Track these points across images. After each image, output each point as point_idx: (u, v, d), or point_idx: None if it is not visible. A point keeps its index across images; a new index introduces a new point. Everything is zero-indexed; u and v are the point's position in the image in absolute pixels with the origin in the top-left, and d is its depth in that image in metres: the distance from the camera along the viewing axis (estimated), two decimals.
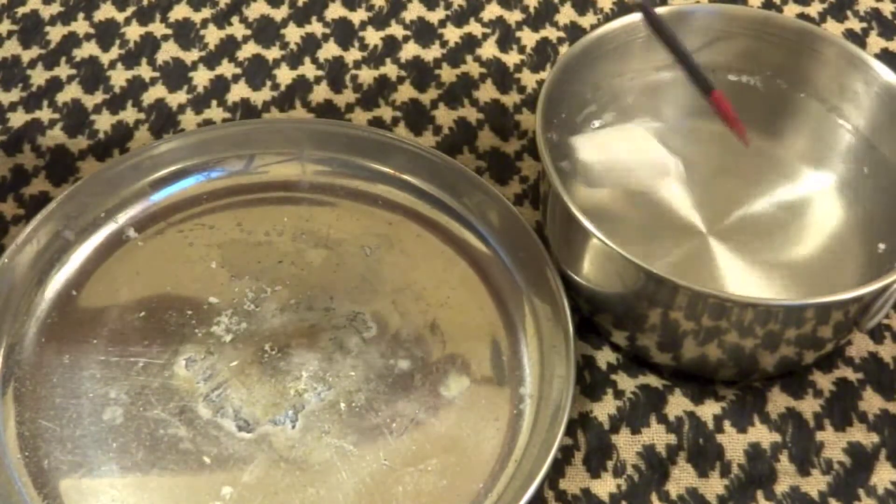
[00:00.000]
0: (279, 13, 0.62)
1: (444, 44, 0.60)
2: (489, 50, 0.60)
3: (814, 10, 0.62)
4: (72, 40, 0.60)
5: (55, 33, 0.60)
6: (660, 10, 0.50)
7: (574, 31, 0.61)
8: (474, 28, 0.61)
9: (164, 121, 0.56)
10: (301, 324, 0.47)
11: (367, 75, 0.59)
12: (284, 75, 0.58)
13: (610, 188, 0.48)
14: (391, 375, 0.46)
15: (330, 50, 0.60)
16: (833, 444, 0.45)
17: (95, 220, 0.50)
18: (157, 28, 0.61)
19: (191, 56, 0.59)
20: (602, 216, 0.48)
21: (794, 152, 0.51)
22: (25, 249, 0.48)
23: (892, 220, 0.47)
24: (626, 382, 0.47)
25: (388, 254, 0.50)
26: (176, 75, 0.58)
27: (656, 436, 0.45)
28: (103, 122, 0.56)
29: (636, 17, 0.50)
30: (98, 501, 0.42)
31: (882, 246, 0.46)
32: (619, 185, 0.48)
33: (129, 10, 0.62)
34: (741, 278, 0.46)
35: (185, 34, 0.60)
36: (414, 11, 0.62)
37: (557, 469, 0.44)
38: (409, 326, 0.47)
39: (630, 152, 0.49)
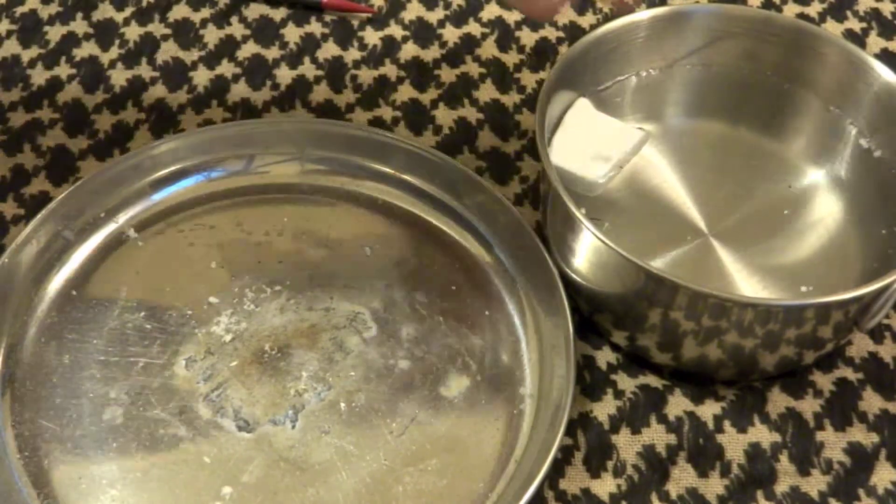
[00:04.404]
0: (278, 13, 0.62)
1: (443, 44, 0.60)
2: (489, 50, 0.60)
3: (814, 10, 0.62)
4: (71, 40, 0.60)
5: (54, 33, 0.60)
6: (660, 10, 0.50)
7: (573, 31, 0.61)
8: (473, 28, 0.61)
9: (164, 121, 0.56)
10: (301, 324, 0.47)
11: (366, 75, 0.59)
12: (284, 75, 0.58)
13: (604, 181, 0.48)
14: (391, 375, 0.46)
15: (329, 50, 0.60)
16: (833, 444, 0.45)
17: (95, 220, 0.50)
18: (157, 28, 0.61)
19: (191, 56, 0.59)
20: (602, 216, 0.48)
21: (794, 152, 0.51)
22: (25, 249, 0.48)
23: (892, 220, 0.47)
24: (626, 382, 0.47)
25: (388, 254, 0.50)
26: (176, 75, 0.58)
27: (656, 436, 0.45)
28: (104, 122, 0.56)
29: (636, 16, 0.50)
30: (98, 501, 0.42)
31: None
32: (608, 175, 0.49)
33: (128, 11, 0.62)
34: (741, 278, 0.46)
35: (185, 34, 0.60)
36: (413, 11, 0.62)
37: (557, 469, 0.44)
38: (409, 326, 0.47)
39: (600, 139, 0.49)
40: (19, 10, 0.62)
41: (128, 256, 0.50)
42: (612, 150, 0.49)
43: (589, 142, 0.49)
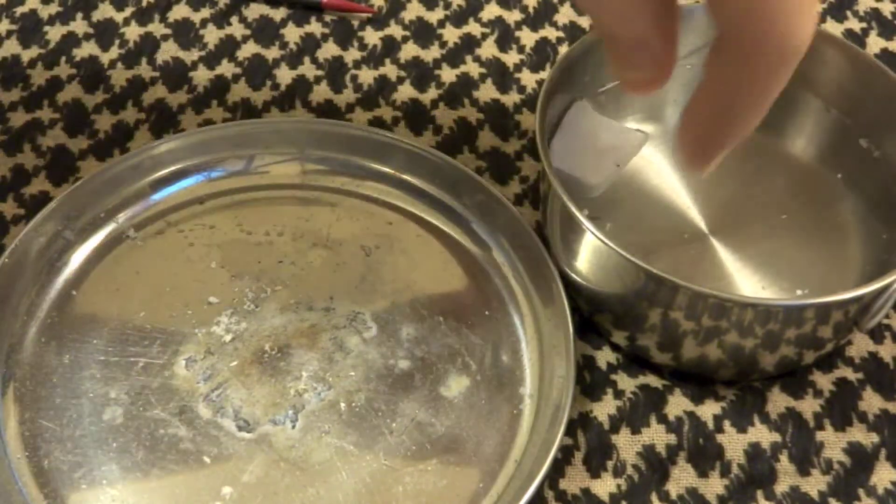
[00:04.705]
0: (278, 13, 0.62)
1: (443, 44, 0.60)
2: (489, 50, 0.60)
3: None
4: (71, 40, 0.60)
5: (54, 33, 0.60)
6: None
7: (573, 31, 0.61)
8: (473, 28, 0.61)
9: (164, 121, 0.56)
10: (301, 324, 0.47)
11: (366, 75, 0.59)
12: (284, 75, 0.58)
13: (603, 184, 0.48)
14: (391, 375, 0.46)
15: (329, 50, 0.60)
16: (833, 444, 0.45)
17: (95, 220, 0.50)
18: (157, 28, 0.61)
19: (191, 56, 0.59)
20: (603, 216, 0.48)
21: (794, 152, 0.51)
22: (25, 249, 0.48)
23: (892, 222, 0.47)
24: (626, 382, 0.47)
25: (388, 254, 0.50)
26: (176, 75, 0.58)
27: (656, 436, 0.45)
28: (104, 122, 0.56)
29: None
30: (98, 501, 0.42)
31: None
32: (607, 178, 0.49)
33: (128, 11, 0.62)
34: (741, 278, 0.46)
35: (185, 34, 0.60)
36: (413, 11, 0.62)
37: (557, 469, 0.44)
38: (409, 326, 0.47)
39: (599, 142, 0.49)
40: (19, 10, 0.62)
41: (128, 256, 0.50)
42: (610, 152, 0.49)
43: (588, 144, 0.49)
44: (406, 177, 0.52)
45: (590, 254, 0.44)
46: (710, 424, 0.46)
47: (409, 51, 0.60)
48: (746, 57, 0.30)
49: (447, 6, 0.62)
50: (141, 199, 0.51)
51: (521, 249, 0.49)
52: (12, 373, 0.46)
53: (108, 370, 0.46)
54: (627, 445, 0.45)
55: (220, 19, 0.61)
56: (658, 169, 0.50)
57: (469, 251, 0.50)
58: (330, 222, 0.51)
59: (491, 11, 0.62)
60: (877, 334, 0.48)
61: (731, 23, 0.30)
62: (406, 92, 0.58)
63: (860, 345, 0.48)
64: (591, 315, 0.48)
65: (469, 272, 0.49)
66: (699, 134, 0.34)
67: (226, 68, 0.59)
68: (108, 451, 0.44)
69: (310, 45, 0.60)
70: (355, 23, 0.61)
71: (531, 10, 0.62)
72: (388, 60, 0.59)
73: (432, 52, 0.60)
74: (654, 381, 0.47)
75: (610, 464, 0.44)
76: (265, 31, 0.61)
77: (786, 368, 0.46)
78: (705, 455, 0.45)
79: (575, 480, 0.44)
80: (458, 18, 0.62)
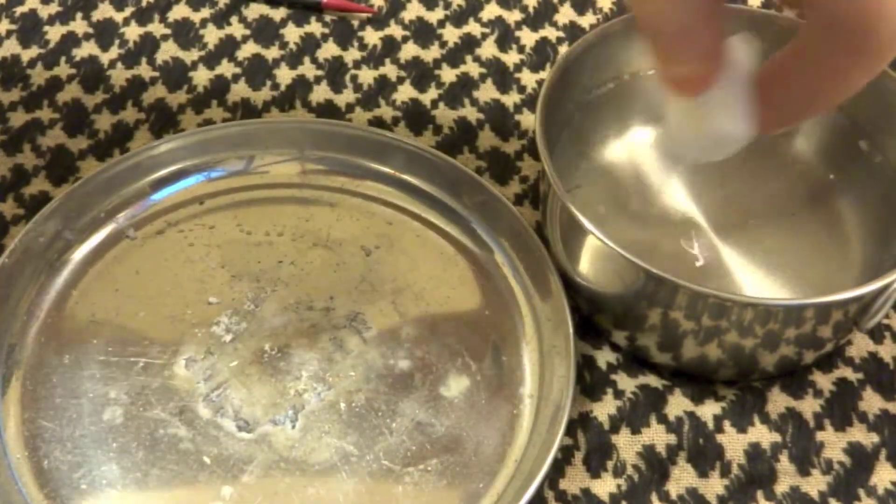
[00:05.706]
0: (278, 13, 0.62)
1: (443, 44, 0.60)
2: (489, 50, 0.60)
3: None
4: (71, 40, 0.60)
5: (54, 33, 0.60)
6: None
7: (574, 31, 0.61)
8: (473, 28, 0.61)
9: (164, 121, 0.56)
10: (301, 324, 0.47)
11: (366, 75, 0.59)
12: (284, 75, 0.58)
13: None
14: (391, 375, 0.46)
15: (329, 50, 0.60)
16: (833, 444, 0.45)
17: (95, 220, 0.50)
18: (157, 28, 0.61)
19: (191, 56, 0.59)
20: (602, 216, 0.48)
21: (795, 152, 0.51)
22: (25, 249, 0.48)
23: (892, 220, 0.47)
24: (626, 382, 0.47)
25: (388, 254, 0.50)
26: (176, 75, 0.58)
27: (656, 436, 0.45)
28: (103, 122, 0.56)
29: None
30: (98, 501, 0.42)
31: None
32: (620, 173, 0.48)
33: (128, 11, 0.62)
34: (741, 278, 0.46)
35: (185, 34, 0.60)
36: (413, 11, 0.62)
37: (557, 469, 0.44)
38: (409, 326, 0.47)
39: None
40: (19, 10, 0.62)
41: (128, 256, 0.50)
42: (725, 115, 0.43)
43: (699, 120, 0.43)
44: (406, 177, 0.52)
45: (590, 254, 0.44)
46: (710, 424, 0.46)
47: (409, 51, 0.60)
48: (844, 44, 0.29)
49: (447, 6, 0.62)
50: (140, 198, 0.51)
51: (521, 249, 0.49)
52: (12, 373, 0.46)
53: (108, 370, 0.46)
54: (627, 445, 0.45)
55: (220, 19, 0.61)
56: (658, 169, 0.50)
57: (469, 251, 0.50)
58: (330, 222, 0.51)
59: (491, 11, 0.62)
60: (877, 334, 0.48)
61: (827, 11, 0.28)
62: (406, 92, 0.58)
63: (860, 345, 0.48)
64: (591, 315, 0.48)
65: (469, 272, 0.49)
66: (780, 103, 0.33)
67: (226, 68, 0.59)
68: (108, 451, 0.44)
69: (310, 45, 0.60)
70: (355, 23, 0.61)
71: (531, 10, 0.62)
72: (388, 60, 0.59)
73: (432, 52, 0.60)
74: (654, 381, 0.47)
75: (610, 464, 0.44)
76: (265, 31, 0.61)
77: (786, 368, 0.46)
78: (705, 455, 0.45)
79: (575, 480, 0.44)
80: (458, 18, 0.62)
